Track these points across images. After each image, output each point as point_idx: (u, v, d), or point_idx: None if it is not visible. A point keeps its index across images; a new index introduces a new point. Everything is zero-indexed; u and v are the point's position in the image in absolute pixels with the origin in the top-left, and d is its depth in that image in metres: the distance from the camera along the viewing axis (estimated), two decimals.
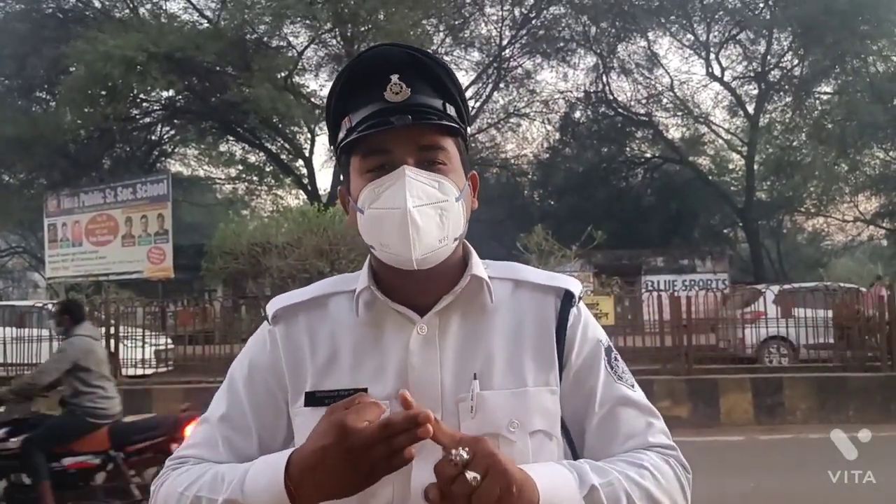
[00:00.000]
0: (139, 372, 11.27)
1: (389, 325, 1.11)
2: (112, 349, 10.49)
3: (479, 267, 1.13)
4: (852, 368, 9.69)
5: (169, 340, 12.29)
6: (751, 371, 10.07)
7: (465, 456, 0.89)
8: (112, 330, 10.53)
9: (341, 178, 1.17)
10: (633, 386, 1.17)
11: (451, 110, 1.08)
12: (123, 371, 10.73)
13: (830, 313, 10.65)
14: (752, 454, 7.66)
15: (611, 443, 1.12)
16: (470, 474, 0.89)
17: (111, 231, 19.82)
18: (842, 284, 11.76)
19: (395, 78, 1.04)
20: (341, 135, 1.09)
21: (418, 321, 1.09)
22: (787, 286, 12.91)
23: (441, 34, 22.90)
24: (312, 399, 1.09)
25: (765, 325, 11.35)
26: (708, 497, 5.75)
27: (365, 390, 1.06)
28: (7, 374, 10.78)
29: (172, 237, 19.36)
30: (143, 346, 11.46)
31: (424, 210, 1.03)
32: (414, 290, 1.10)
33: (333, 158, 23.73)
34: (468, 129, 1.14)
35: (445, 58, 21.91)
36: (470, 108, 1.12)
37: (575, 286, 1.16)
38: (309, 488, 0.94)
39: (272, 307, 1.17)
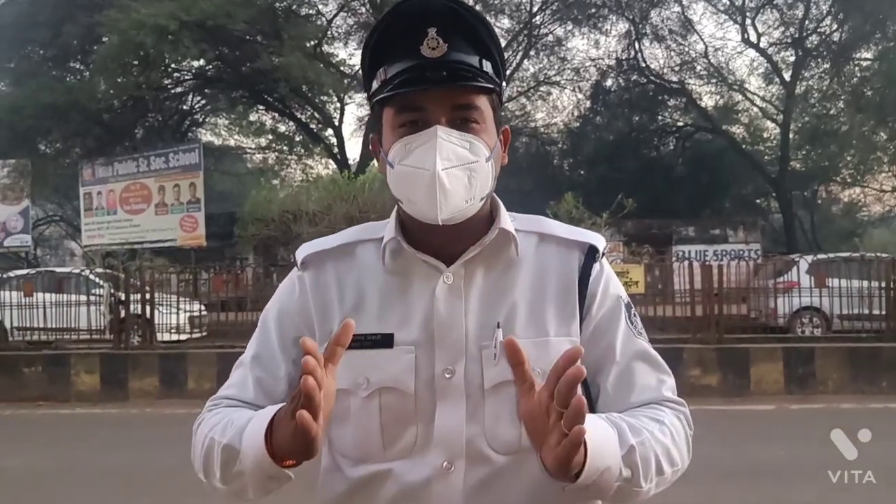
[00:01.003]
0: (174, 338, 11.49)
1: (416, 274, 1.13)
2: (147, 315, 10.70)
3: (507, 220, 1.15)
4: (887, 339, 9.57)
5: (202, 307, 12.50)
6: (782, 341, 9.99)
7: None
8: (147, 296, 10.72)
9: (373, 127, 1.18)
10: (649, 343, 1.19)
11: (487, 66, 1.08)
12: (158, 337, 10.94)
13: (866, 283, 10.50)
14: (782, 423, 7.64)
15: (627, 395, 1.14)
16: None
17: (145, 199, 20.10)
18: (879, 254, 11.55)
19: (432, 32, 1.04)
20: (375, 85, 1.10)
21: (444, 270, 1.11)
22: (821, 256, 12.74)
23: (471, 1, 22.64)
24: None
25: (797, 295, 11.23)
26: (738, 465, 5.77)
27: (391, 336, 1.10)
28: (48, 338, 11.08)
29: (204, 206, 19.58)
30: (177, 313, 11.68)
31: (453, 172, 1.04)
32: (440, 241, 1.12)
33: (362, 128, 23.69)
34: (504, 84, 1.14)
35: None
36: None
37: (599, 241, 1.18)
38: (277, 441, 0.97)
39: (301, 253, 1.20)
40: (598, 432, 0.99)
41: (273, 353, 1.18)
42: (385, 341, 1.10)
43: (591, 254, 1.16)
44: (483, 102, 1.09)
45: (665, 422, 1.10)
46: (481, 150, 1.07)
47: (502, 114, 1.18)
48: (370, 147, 1.21)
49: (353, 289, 1.15)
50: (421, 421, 1.08)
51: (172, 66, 21.03)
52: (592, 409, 1.15)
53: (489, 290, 1.12)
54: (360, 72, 1.16)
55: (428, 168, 1.03)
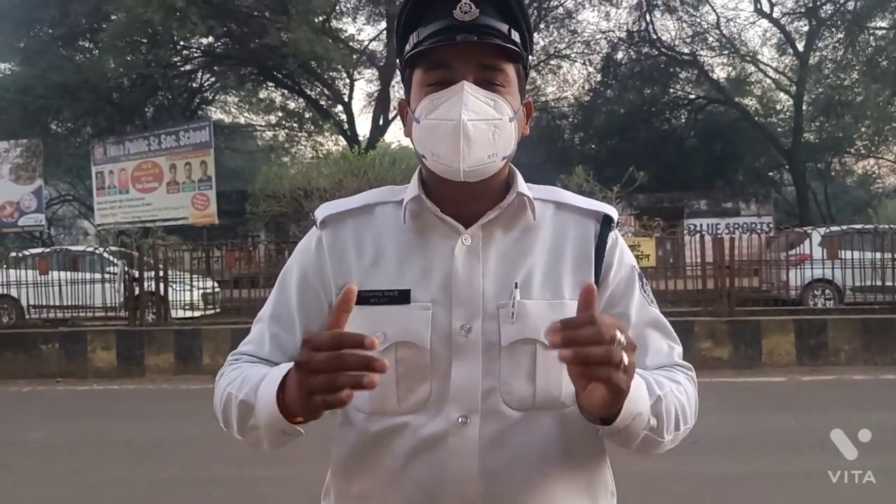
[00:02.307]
0: (188, 314, 11.60)
1: (435, 234, 1.16)
2: (161, 293, 10.79)
3: (524, 186, 1.19)
4: None
5: (215, 284, 12.59)
6: (794, 313, 9.98)
7: (624, 343, 0.90)
8: (161, 274, 10.80)
9: (404, 90, 1.21)
10: (659, 310, 1.24)
11: (515, 36, 1.12)
12: (173, 313, 11.04)
13: (879, 255, 10.45)
14: (793, 394, 7.66)
15: (641, 359, 1.18)
16: (621, 337, 0.90)
17: (156, 178, 20.17)
18: (892, 226, 11.47)
19: None
20: (407, 47, 1.14)
21: (463, 232, 1.14)
22: (834, 228, 12.67)
23: None
24: (359, 298, 1.11)
25: (810, 267, 11.19)
26: (749, 435, 5.81)
27: (408, 292, 1.13)
28: (63, 315, 11.21)
29: (216, 183, 19.63)
30: (190, 290, 11.77)
31: (478, 124, 1.08)
32: (460, 202, 1.15)
33: (372, 104, 23.62)
34: (530, 59, 1.18)
35: None
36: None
37: (612, 211, 1.22)
38: (287, 401, 1.00)
39: (321, 213, 1.23)
40: (636, 381, 1.01)
41: (290, 311, 1.22)
42: (402, 297, 1.13)
43: (605, 223, 1.20)
44: (509, 68, 1.13)
45: (680, 381, 1.16)
46: (505, 109, 1.11)
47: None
48: (398, 111, 1.25)
49: (372, 246, 1.18)
50: (436, 376, 1.11)
51: (181, 43, 20.99)
52: None
53: (507, 251, 1.15)
54: (395, 35, 1.20)
55: (454, 118, 1.07)
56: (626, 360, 0.91)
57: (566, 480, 1.12)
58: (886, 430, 5.07)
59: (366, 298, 1.13)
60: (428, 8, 1.11)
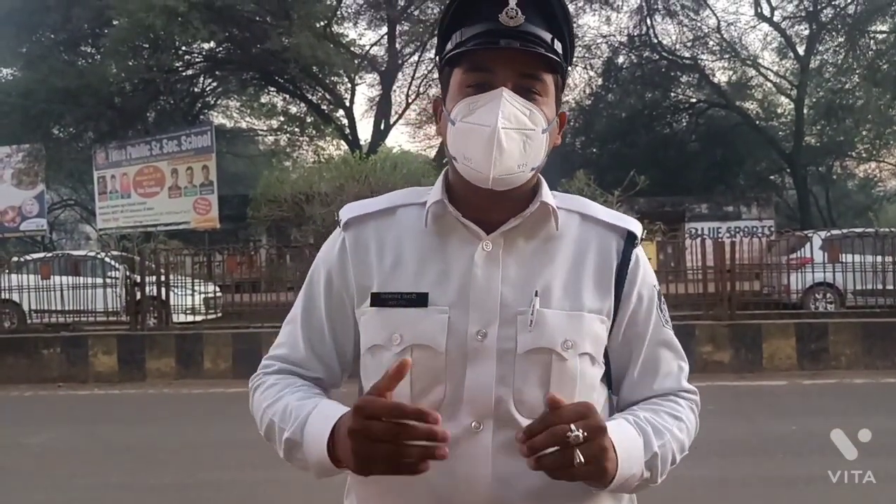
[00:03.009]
0: (189, 319, 11.60)
1: (455, 238, 1.16)
2: (163, 297, 10.80)
3: (549, 195, 1.19)
4: None
5: (217, 288, 12.60)
6: (795, 316, 9.97)
7: (581, 437, 0.97)
8: (162, 278, 10.81)
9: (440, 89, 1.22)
10: (672, 329, 1.25)
11: (558, 46, 1.12)
12: (174, 318, 11.05)
13: (880, 259, 10.44)
14: (794, 398, 7.65)
15: (651, 382, 1.21)
16: (573, 433, 0.96)
17: (158, 183, 20.19)
18: (893, 229, 11.47)
19: (512, 2, 1.08)
20: (449, 45, 1.14)
21: (484, 238, 1.14)
22: (834, 231, 12.66)
23: None
24: (377, 300, 1.16)
25: (811, 271, 11.19)
26: (750, 440, 5.80)
27: (426, 295, 1.13)
28: (65, 320, 11.22)
29: (217, 188, 19.65)
30: (192, 294, 11.78)
31: (511, 133, 1.08)
32: (484, 207, 1.15)
33: (373, 108, 23.54)
34: (569, 70, 1.18)
35: None
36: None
37: (637, 227, 1.22)
38: (343, 459, 1.04)
39: (345, 214, 1.24)
40: (628, 441, 1.07)
41: (319, 313, 1.24)
42: (420, 300, 1.13)
43: (629, 240, 1.20)
44: (548, 78, 1.13)
45: (682, 417, 1.18)
46: (540, 120, 1.11)
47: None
48: (433, 109, 1.26)
49: (392, 248, 1.18)
50: (450, 380, 1.11)
51: (183, 48, 21.03)
52: (616, 390, 1.23)
53: (527, 260, 1.15)
54: (437, 32, 1.20)
55: (489, 124, 1.07)
56: (579, 458, 0.96)
57: (577, 488, 1.11)
58: (888, 434, 5.07)
59: (384, 300, 1.15)
60: (474, 8, 1.10)
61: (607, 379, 1.22)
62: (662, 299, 1.25)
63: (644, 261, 1.22)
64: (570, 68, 1.18)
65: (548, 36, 1.10)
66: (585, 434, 0.97)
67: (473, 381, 1.11)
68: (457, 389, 1.11)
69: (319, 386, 1.23)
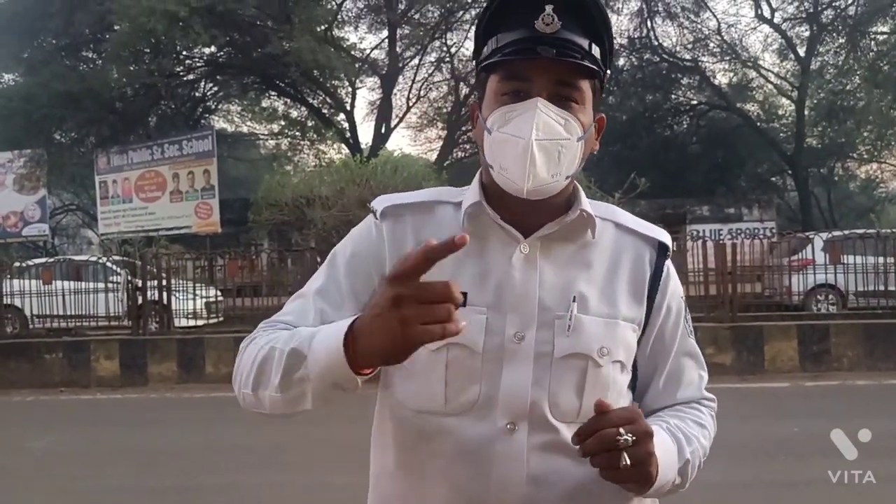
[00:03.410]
0: (191, 323, 11.62)
1: (493, 240, 1.16)
2: (164, 301, 10.81)
3: (587, 204, 1.18)
4: None
5: (218, 292, 12.61)
6: (797, 318, 9.97)
7: (630, 441, 0.99)
8: (164, 283, 10.82)
9: (476, 93, 1.23)
10: (694, 338, 1.28)
11: (595, 51, 1.11)
12: (176, 322, 11.06)
13: (882, 260, 10.44)
14: (796, 400, 7.65)
15: (675, 391, 1.24)
16: (623, 437, 0.99)
17: (159, 187, 20.20)
18: (894, 230, 11.46)
19: (549, 8, 1.07)
20: (485, 52, 1.14)
21: (522, 241, 1.15)
22: (836, 233, 12.66)
23: None
24: None
25: (813, 272, 11.18)
26: (752, 442, 5.79)
27: (465, 294, 1.09)
28: (67, 325, 11.23)
29: (219, 192, 19.67)
30: (193, 299, 11.79)
31: (545, 144, 1.08)
32: (521, 212, 1.15)
33: (374, 112, 23.53)
34: (608, 73, 1.17)
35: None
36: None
37: (668, 239, 1.23)
38: (362, 347, 0.95)
39: (380, 204, 1.22)
40: (666, 450, 1.09)
41: (340, 289, 1.19)
42: None
43: (662, 251, 1.21)
44: (585, 84, 1.12)
45: (706, 425, 1.22)
46: (575, 129, 1.10)
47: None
48: (470, 113, 1.24)
49: None
50: (485, 380, 1.11)
51: (184, 52, 21.05)
52: (639, 397, 1.24)
53: (565, 264, 1.16)
54: (474, 37, 1.19)
55: (523, 137, 1.07)
56: (625, 461, 0.98)
57: (610, 489, 1.10)
58: (891, 436, 5.06)
59: None
60: (510, 14, 1.10)
61: (632, 386, 1.23)
62: (687, 309, 1.27)
63: (674, 272, 1.24)
64: (608, 72, 1.17)
65: (585, 41, 1.09)
66: (634, 438, 0.99)
67: (509, 382, 1.11)
68: (492, 390, 1.11)
69: None
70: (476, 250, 1.15)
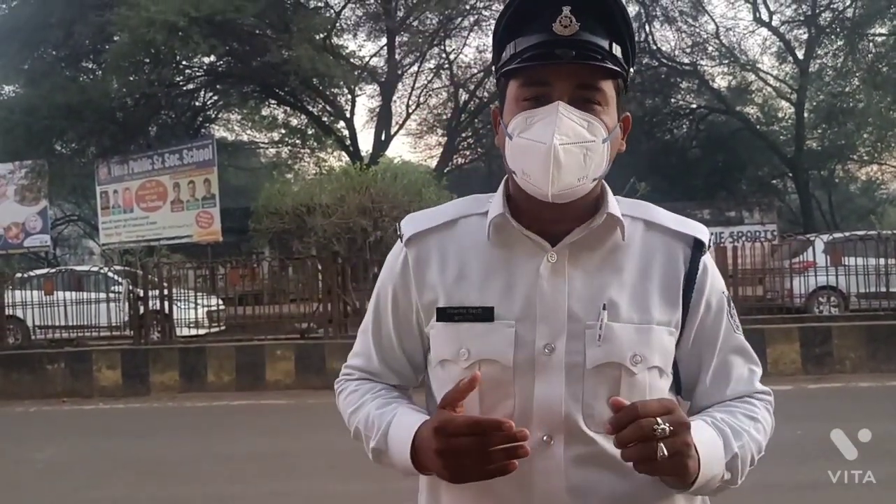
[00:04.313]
0: (192, 332, 11.61)
1: (520, 250, 1.15)
2: (166, 311, 10.81)
3: (615, 205, 1.17)
4: None
5: (220, 301, 12.61)
6: (799, 321, 9.95)
7: (667, 431, 0.98)
8: (165, 292, 10.82)
9: (497, 99, 1.21)
10: (742, 333, 1.24)
11: (616, 50, 1.10)
12: (177, 331, 11.06)
13: (883, 261, 10.43)
14: (799, 403, 7.62)
15: (724, 388, 1.21)
16: (660, 427, 0.98)
17: (160, 197, 20.22)
18: (895, 232, 11.46)
19: (566, 10, 1.05)
20: (504, 58, 1.12)
21: (549, 250, 1.13)
22: (837, 235, 12.66)
23: None
24: (443, 314, 1.16)
25: (814, 274, 11.17)
26: None
27: (492, 309, 1.13)
28: (69, 335, 11.23)
29: (219, 201, 19.69)
30: (195, 308, 11.79)
31: (569, 148, 1.06)
32: (547, 219, 1.14)
33: (374, 119, 23.53)
34: (631, 71, 1.16)
35: (484, 13, 21.68)
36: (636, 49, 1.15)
37: (704, 234, 1.20)
38: (427, 466, 1.09)
39: (407, 230, 1.23)
40: (709, 442, 1.07)
41: (388, 329, 1.26)
42: (486, 315, 1.12)
43: (697, 247, 1.18)
44: (608, 85, 1.11)
45: (758, 418, 1.18)
46: (599, 130, 1.08)
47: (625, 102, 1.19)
48: (492, 119, 1.23)
49: (455, 261, 1.17)
50: (519, 394, 1.11)
51: (183, 62, 21.09)
52: (687, 397, 1.23)
53: (594, 271, 1.14)
54: (492, 43, 1.19)
55: (545, 141, 1.05)
56: (663, 452, 0.97)
57: (652, 495, 1.12)
58: (893, 439, 5.05)
59: (450, 315, 1.15)
60: (528, 19, 1.08)
61: (675, 387, 1.21)
62: (732, 304, 1.23)
63: (713, 267, 1.21)
64: (631, 70, 1.16)
65: (605, 42, 1.08)
66: (671, 429, 0.97)
67: (542, 395, 1.10)
68: (526, 403, 1.11)
69: (397, 389, 1.27)
70: (503, 262, 1.15)
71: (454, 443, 1.00)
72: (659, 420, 0.97)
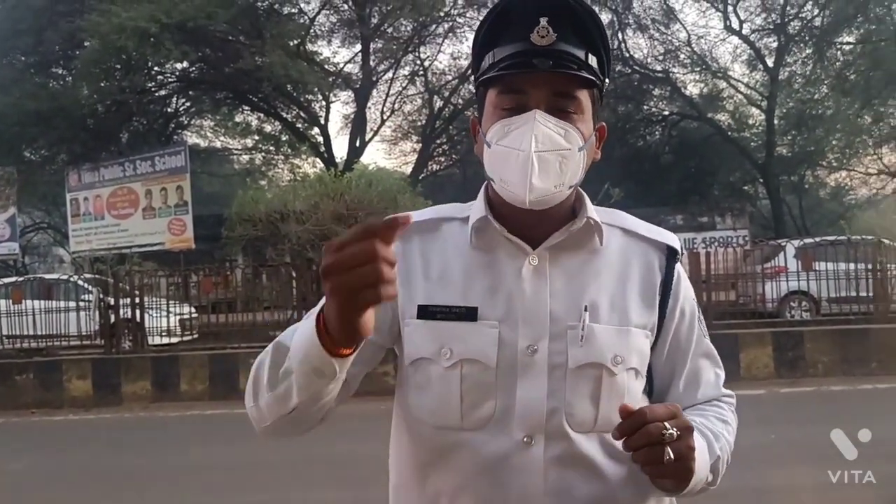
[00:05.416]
0: (165, 341, 11.47)
1: (502, 253, 1.16)
2: (138, 319, 10.68)
3: (593, 211, 1.19)
4: (874, 321, 9.64)
5: (192, 309, 12.48)
6: (771, 325, 10.05)
7: (675, 435, 0.99)
8: (137, 300, 10.69)
9: (475, 107, 1.22)
10: (709, 338, 1.29)
11: (592, 61, 1.12)
12: (150, 340, 10.92)
13: (853, 266, 10.58)
14: (773, 407, 7.69)
15: (694, 392, 1.26)
16: (668, 431, 0.99)
17: (132, 204, 19.99)
18: (864, 237, 11.64)
19: (543, 21, 1.08)
20: (484, 65, 1.14)
21: (530, 252, 1.15)
22: (808, 240, 12.82)
23: None
24: (425, 312, 1.15)
25: (786, 279, 11.29)
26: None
27: (475, 309, 1.13)
28: (38, 345, 11.04)
29: (192, 208, 19.51)
30: (167, 316, 11.65)
31: (545, 156, 1.08)
32: (527, 223, 1.15)
33: (348, 126, 23.50)
34: (606, 82, 1.18)
35: (458, 20, 21.75)
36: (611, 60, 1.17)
37: (676, 242, 1.23)
38: (330, 327, 0.92)
39: None
40: (699, 448, 1.08)
41: None
42: (469, 314, 1.13)
43: (671, 255, 1.21)
44: (584, 95, 1.13)
45: (729, 421, 1.24)
46: (575, 139, 1.10)
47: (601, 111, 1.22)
48: (470, 128, 1.24)
49: (438, 261, 1.18)
50: (500, 394, 1.11)
51: (155, 69, 20.91)
52: (658, 400, 1.25)
53: (574, 274, 1.16)
54: (471, 53, 1.20)
55: (522, 149, 1.07)
56: (669, 455, 0.98)
57: (629, 496, 1.14)
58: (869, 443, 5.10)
59: (432, 314, 1.14)
60: (506, 29, 1.11)
61: (648, 389, 1.24)
62: (700, 311, 1.27)
63: (684, 276, 1.25)
64: (607, 81, 1.18)
65: (581, 52, 1.10)
66: (678, 433, 1.00)
67: (525, 395, 1.11)
68: (507, 404, 1.11)
69: None
70: (485, 264, 1.16)
71: (342, 253, 0.84)
72: (667, 425, 0.99)
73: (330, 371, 0.97)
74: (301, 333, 0.99)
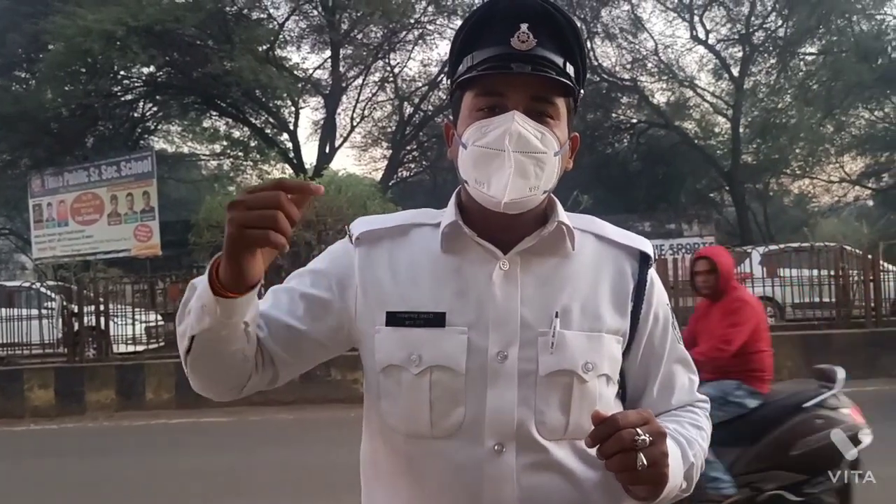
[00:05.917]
0: (130, 349, 11.30)
1: (472, 258, 1.15)
2: (102, 327, 10.51)
3: (565, 216, 1.18)
4: (837, 326, 9.82)
5: (159, 317, 12.31)
6: None
7: (647, 441, 0.98)
8: (101, 308, 10.52)
9: (451, 111, 1.22)
10: (683, 344, 1.28)
11: (570, 69, 1.12)
12: (115, 348, 10.76)
13: (815, 272, 10.77)
14: None
15: (669, 397, 1.24)
16: (640, 437, 0.98)
17: (97, 210, 19.69)
18: (827, 244, 11.86)
19: (524, 26, 1.08)
20: (461, 68, 1.13)
21: (501, 257, 1.13)
22: (773, 247, 13.02)
23: (423, 2, 22.61)
24: (393, 319, 1.14)
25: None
26: None
27: (443, 315, 1.12)
28: None
29: (159, 214, 19.27)
30: (133, 324, 11.48)
31: (522, 158, 1.07)
32: (498, 227, 1.14)
33: (317, 132, 23.38)
34: (581, 93, 1.18)
35: (428, 27, 21.79)
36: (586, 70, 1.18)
37: (650, 248, 1.23)
38: (220, 267, 1.01)
39: (356, 229, 1.21)
40: (672, 454, 1.07)
41: (292, 289, 1.21)
42: (437, 320, 1.12)
43: (644, 261, 1.21)
44: (560, 101, 1.13)
45: (703, 426, 1.23)
46: (552, 143, 1.10)
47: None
48: (444, 132, 1.23)
49: (406, 267, 1.16)
50: (470, 401, 1.10)
51: (121, 72, 20.65)
52: (632, 406, 1.24)
53: (545, 279, 1.15)
54: (449, 57, 1.20)
55: (500, 148, 1.07)
56: (642, 462, 0.97)
57: (603, 503, 1.13)
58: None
59: (400, 320, 1.13)
60: (486, 32, 1.10)
61: (621, 395, 1.23)
62: (674, 316, 1.26)
63: (658, 281, 1.24)
64: (581, 91, 1.18)
65: (559, 60, 1.10)
66: (651, 439, 0.99)
67: (494, 402, 1.10)
68: (477, 411, 1.10)
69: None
70: (454, 269, 1.15)
71: (250, 195, 0.95)
72: (639, 431, 0.98)
73: (211, 309, 1.02)
74: (201, 278, 1.05)
